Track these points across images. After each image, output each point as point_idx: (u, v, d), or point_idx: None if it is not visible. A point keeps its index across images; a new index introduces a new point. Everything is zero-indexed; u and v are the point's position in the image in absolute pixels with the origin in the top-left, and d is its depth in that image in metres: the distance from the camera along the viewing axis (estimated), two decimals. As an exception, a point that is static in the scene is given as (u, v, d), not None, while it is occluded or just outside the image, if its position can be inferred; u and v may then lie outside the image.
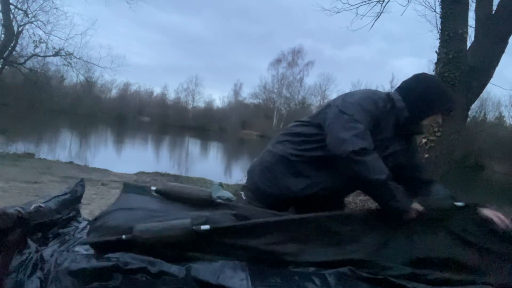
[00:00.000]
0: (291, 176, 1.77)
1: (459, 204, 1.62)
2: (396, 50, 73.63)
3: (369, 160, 1.58)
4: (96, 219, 1.53)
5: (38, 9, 13.74)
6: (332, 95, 75.37)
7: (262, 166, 1.86)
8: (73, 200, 2.02)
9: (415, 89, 1.83)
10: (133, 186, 1.73)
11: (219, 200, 1.69)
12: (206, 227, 1.38)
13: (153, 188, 1.67)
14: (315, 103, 44.33)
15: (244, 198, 1.87)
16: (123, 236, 1.36)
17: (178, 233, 1.35)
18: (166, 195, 1.63)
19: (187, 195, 1.63)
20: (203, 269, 1.24)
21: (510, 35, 6.63)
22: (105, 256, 1.42)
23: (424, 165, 2.00)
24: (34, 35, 13.77)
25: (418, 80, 1.88)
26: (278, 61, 42.14)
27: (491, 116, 33.09)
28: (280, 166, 1.79)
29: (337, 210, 1.74)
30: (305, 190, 1.75)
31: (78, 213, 2.06)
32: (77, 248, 1.63)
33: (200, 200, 1.62)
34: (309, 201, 1.76)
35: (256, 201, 1.80)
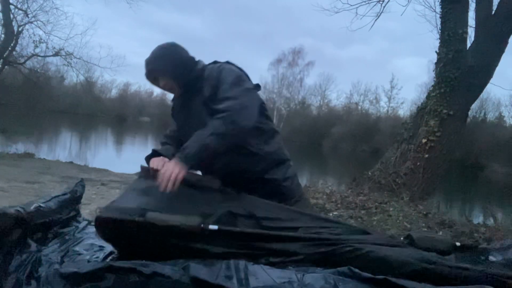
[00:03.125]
0: None
1: None
2: (398, 49, 73.52)
3: None
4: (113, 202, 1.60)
5: (38, 9, 13.75)
6: (332, 94, 75.37)
7: None
8: (73, 200, 2.02)
9: None
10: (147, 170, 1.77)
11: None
12: (214, 227, 1.41)
13: None
14: (315, 103, 44.37)
15: None
16: (136, 218, 1.40)
17: (186, 227, 1.39)
18: None
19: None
20: (202, 269, 1.24)
21: (510, 35, 6.63)
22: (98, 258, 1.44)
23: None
24: (34, 35, 13.78)
25: None
26: (279, 61, 42.07)
27: (491, 116, 33.11)
28: None
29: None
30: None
31: (78, 213, 2.06)
32: (77, 248, 1.63)
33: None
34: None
35: None
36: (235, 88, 1.78)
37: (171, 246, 1.39)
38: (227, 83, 1.79)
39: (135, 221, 1.40)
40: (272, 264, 1.37)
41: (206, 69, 1.89)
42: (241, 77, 1.85)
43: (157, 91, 55.06)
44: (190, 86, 1.89)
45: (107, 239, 1.52)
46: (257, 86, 1.97)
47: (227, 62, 1.93)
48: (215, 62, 1.94)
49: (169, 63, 1.85)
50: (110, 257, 1.58)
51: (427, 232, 4.48)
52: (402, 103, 41.52)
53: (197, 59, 1.96)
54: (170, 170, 1.58)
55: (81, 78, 16.91)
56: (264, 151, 1.85)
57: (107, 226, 1.44)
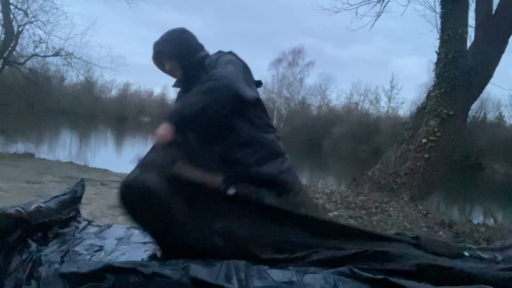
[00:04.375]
0: None
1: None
2: (398, 49, 73.23)
3: None
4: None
5: (38, 9, 13.77)
6: (332, 94, 75.30)
7: None
8: (73, 200, 2.02)
9: None
10: None
11: None
12: (233, 191, 1.53)
13: None
14: (315, 103, 44.35)
15: None
16: (168, 169, 1.50)
17: (208, 185, 1.52)
18: None
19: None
20: (202, 269, 1.24)
21: (510, 35, 6.63)
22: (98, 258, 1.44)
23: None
24: (34, 35, 13.81)
25: None
26: (279, 61, 42.05)
27: (491, 116, 33.05)
28: None
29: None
30: None
31: (78, 213, 2.06)
32: (77, 248, 1.63)
33: None
34: None
35: None
36: (224, 64, 1.80)
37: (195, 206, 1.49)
38: (220, 64, 1.80)
39: (168, 173, 1.49)
40: (276, 262, 1.37)
41: (208, 58, 1.92)
42: (236, 62, 1.83)
43: (157, 91, 55.09)
44: (191, 72, 1.91)
45: (132, 211, 1.54)
46: (259, 83, 1.97)
47: (230, 53, 1.94)
48: (219, 52, 1.95)
49: (175, 46, 1.91)
50: (110, 257, 1.58)
51: (435, 236, 4.46)
52: (402, 103, 41.54)
53: (205, 48, 1.99)
54: (158, 132, 1.66)
55: (81, 78, 16.99)
56: (258, 139, 1.84)
57: (134, 193, 1.48)
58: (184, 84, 1.97)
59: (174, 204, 1.48)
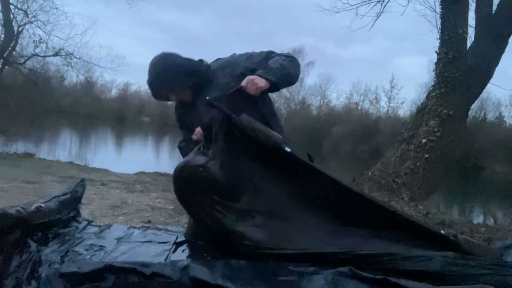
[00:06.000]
0: None
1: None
2: (399, 48, 72.86)
3: None
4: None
5: (38, 9, 13.72)
6: (332, 94, 75.25)
7: None
8: (73, 200, 2.02)
9: None
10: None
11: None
12: (288, 149, 1.64)
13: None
14: (315, 103, 44.33)
15: None
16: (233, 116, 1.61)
17: (268, 139, 1.63)
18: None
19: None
20: (202, 269, 1.24)
21: (510, 35, 6.63)
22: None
23: None
24: (34, 35, 13.76)
25: None
26: (278, 61, 42.03)
27: (491, 116, 33.01)
28: None
29: None
30: None
31: (78, 213, 2.06)
32: (77, 248, 1.63)
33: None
34: None
35: None
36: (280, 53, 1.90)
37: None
38: (267, 52, 1.90)
39: (231, 118, 1.61)
40: (273, 264, 1.37)
41: (211, 65, 1.91)
42: None
43: (157, 91, 54.88)
44: (199, 87, 1.86)
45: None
46: None
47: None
48: (218, 59, 1.96)
49: (171, 79, 1.80)
50: (110, 257, 1.58)
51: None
52: (402, 103, 41.45)
53: (195, 58, 1.92)
54: (252, 79, 1.70)
55: (81, 78, 16.97)
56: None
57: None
58: (196, 97, 1.90)
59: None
